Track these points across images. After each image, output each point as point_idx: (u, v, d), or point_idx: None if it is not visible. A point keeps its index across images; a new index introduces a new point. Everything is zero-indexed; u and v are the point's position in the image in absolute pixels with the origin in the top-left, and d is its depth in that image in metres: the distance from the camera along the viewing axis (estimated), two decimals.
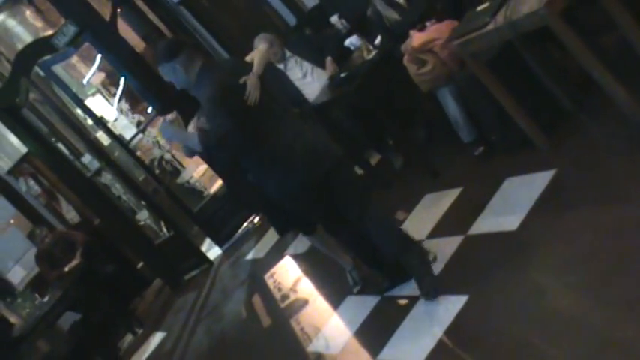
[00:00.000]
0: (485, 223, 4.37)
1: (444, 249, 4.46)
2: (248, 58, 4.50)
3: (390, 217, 4.73)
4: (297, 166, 4.21)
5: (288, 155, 4.20)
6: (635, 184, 3.52)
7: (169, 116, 4.39)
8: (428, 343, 3.88)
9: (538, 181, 4.21)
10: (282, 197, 4.41)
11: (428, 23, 4.85)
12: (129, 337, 9.55)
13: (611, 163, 3.82)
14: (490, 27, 4.05)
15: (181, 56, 4.15)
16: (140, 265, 10.83)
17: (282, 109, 4.37)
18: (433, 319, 4.06)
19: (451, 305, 3.99)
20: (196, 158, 9.18)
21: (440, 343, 3.84)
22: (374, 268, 4.79)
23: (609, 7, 3.79)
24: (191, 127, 4.31)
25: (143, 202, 9.63)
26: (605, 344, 2.93)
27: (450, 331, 3.85)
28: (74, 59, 10.57)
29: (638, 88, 3.85)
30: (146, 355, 8.34)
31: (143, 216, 9.90)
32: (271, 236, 7.93)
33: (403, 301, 4.49)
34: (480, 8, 4.28)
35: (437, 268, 4.38)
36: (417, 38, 4.81)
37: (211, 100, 4.06)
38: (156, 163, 10.02)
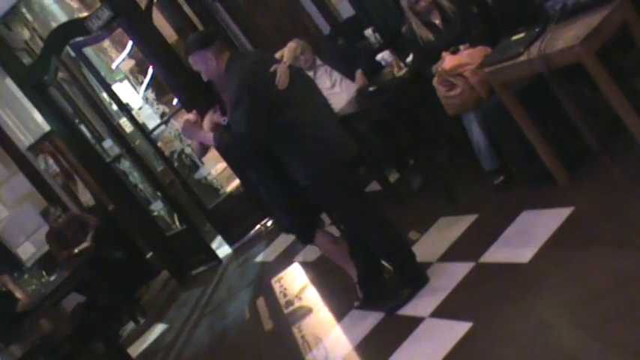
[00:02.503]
0: (498, 253, 4.35)
1: (454, 274, 4.44)
2: (277, 55, 4.57)
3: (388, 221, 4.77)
4: (330, 139, 4.44)
5: (323, 125, 4.44)
6: None
7: (191, 116, 4.45)
8: None
9: (555, 217, 4.19)
10: (306, 175, 4.47)
11: (461, 47, 4.85)
12: (130, 325, 9.59)
13: (629, 208, 3.79)
14: (523, 58, 4.04)
15: (213, 46, 4.30)
16: (149, 255, 10.86)
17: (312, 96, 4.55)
18: (435, 343, 4.04)
19: (454, 331, 3.98)
20: (215, 154, 9.22)
21: None
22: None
23: None
24: (206, 121, 4.51)
25: (159, 193, 9.65)
26: None
27: (450, 356, 3.83)
28: (105, 43, 10.62)
29: None
30: (146, 344, 8.38)
31: (157, 207, 9.92)
32: (282, 241, 7.93)
33: (407, 321, 4.48)
34: (514, 38, 4.28)
35: (445, 292, 4.37)
36: (449, 61, 4.80)
37: (240, 85, 4.17)
38: (176, 155, 10.03)
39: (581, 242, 3.88)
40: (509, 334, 3.65)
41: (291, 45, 6.03)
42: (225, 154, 7.46)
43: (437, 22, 5.06)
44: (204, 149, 4.82)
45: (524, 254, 4.08)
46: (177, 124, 10.03)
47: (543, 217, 4.34)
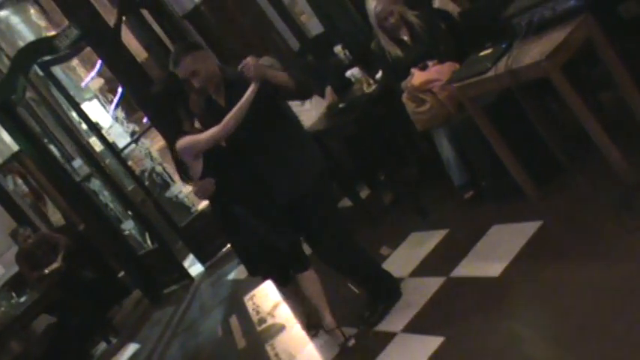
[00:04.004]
0: (468, 267, 4.37)
1: (425, 289, 4.46)
2: None
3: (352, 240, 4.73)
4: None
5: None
6: (620, 243, 3.53)
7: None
8: None
9: (524, 231, 4.22)
10: (312, 177, 4.42)
11: (430, 63, 4.89)
12: (103, 346, 9.49)
13: (598, 221, 3.83)
14: (491, 73, 4.08)
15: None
16: (121, 274, 10.77)
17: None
18: (408, 358, 4.05)
19: (427, 345, 3.98)
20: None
21: None
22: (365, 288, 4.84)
23: (610, 66, 3.83)
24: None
25: (130, 212, 9.60)
26: None
27: None
28: (74, 62, 10.56)
29: (632, 148, 3.89)
30: None
31: (128, 226, 9.86)
32: None
33: (380, 336, 4.48)
34: (482, 53, 4.32)
35: (416, 307, 4.38)
36: (417, 77, 4.84)
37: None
38: (146, 174, 9.99)
39: (550, 255, 3.90)
40: (481, 348, 3.66)
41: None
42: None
43: (405, 38, 5.09)
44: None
45: (495, 268, 4.10)
46: (147, 142, 10.01)
47: (513, 231, 4.37)
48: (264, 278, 5.16)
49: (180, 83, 4.23)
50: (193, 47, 4.36)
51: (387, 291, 4.66)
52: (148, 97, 4.36)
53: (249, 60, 4.12)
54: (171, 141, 4.28)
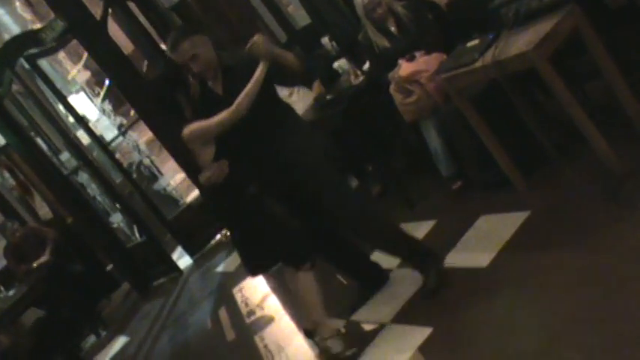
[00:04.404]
0: (457, 258, 4.38)
1: (414, 280, 4.46)
2: None
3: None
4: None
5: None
6: (606, 233, 3.55)
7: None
8: None
9: (512, 221, 4.23)
10: (316, 151, 4.29)
11: (417, 54, 4.88)
12: (92, 339, 9.49)
13: (585, 211, 3.85)
14: (478, 64, 4.08)
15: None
16: (110, 267, 10.76)
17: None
18: (396, 349, 4.05)
19: (415, 336, 3.99)
20: (175, 165, 9.18)
21: None
22: (354, 278, 4.80)
23: (597, 57, 3.84)
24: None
25: (118, 205, 9.58)
26: None
27: None
28: (61, 55, 10.54)
29: (619, 137, 3.90)
30: (107, 358, 8.30)
31: (117, 218, 9.85)
32: None
33: (368, 327, 4.49)
34: (469, 44, 4.32)
35: (405, 297, 4.40)
36: (405, 68, 4.84)
37: None
38: (134, 166, 9.98)
39: (538, 245, 3.92)
40: (470, 338, 3.68)
41: None
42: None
43: (392, 29, 5.09)
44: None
45: (483, 258, 4.12)
46: (135, 134, 9.99)
47: (501, 221, 4.38)
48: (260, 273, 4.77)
49: (178, 69, 4.07)
50: (192, 31, 4.18)
51: (428, 252, 4.38)
52: (144, 84, 4.16)
53: (258, 38, 3.98)
54: (172, 130, 4.14)
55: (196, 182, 8.42)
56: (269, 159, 4.20)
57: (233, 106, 3.93)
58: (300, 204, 4.34)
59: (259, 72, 3.97)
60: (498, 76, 4.05)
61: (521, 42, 3.83)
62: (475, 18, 4.58)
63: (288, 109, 4.42)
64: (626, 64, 3.95)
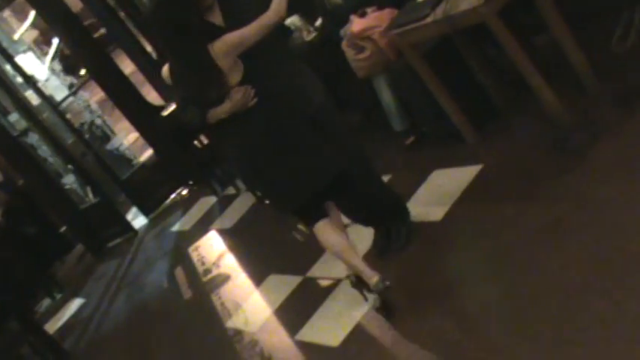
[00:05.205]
0: (411, 212, 4.42)
1: (368, 235, 4.51)
2: None
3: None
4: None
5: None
6: (555, 184, 3.62)
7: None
8: (346, 326, 3.95)
9: (465, 175, 4.29)
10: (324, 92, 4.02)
11: (369, 10, 4.87)
12: (47, 302, 9.43)
13: (534, 162, 3.92)
14: (429, 19, 4.09)
15: None
16: (63, 229, 10.66)
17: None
18: (353, 302, 4.10)
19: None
20: (127, 125, 9.06)
21: (358, 326, 3.91)
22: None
23: (543, 9, 3.88)
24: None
25: (70, 166, 9.47)
26: (513, 334, 3.03)
27: (369, 315, 3.91)
28: (6, 13, 10.29)
29: (566, 90, 3.97)
30: (63, 320, 8.26)
31: (69, 180, 9.74)
32: (198, 209, 7.90)
33: (325, 283, 4.54)
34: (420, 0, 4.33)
35: (360, 252, 4.43)
36: (356, 24, 4.82)
37: None
38: (86, 127, 9.85)
39: (490, 198, 3.98)
40: (426, 292, 3.74)
41: None
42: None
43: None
44: None
45: (437, 212, 4.18)
46: (86, 94, 9.84)
47: (454, 175, 4.43)
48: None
49: None
50: None
51: (404, 211, 4.28)
52: (148, 10, 3.70)
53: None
54: (196, 50, 3.59)
55: (159, 137, 8.33)
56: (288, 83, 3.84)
57: (272, 9, 3.57)
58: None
59: None
60: (450, 31, 4.07)
61: None
62: None
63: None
64: (572, 18, 3.99)
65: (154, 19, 3.74)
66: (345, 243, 3.90)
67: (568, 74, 3.99)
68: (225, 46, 3.55)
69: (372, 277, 3.71)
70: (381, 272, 3.87)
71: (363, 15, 4.85)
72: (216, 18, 3.69)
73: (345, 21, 4.95)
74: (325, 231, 3.91)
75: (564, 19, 3.90)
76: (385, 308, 3.79)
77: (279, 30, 3.93)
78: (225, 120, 3.68)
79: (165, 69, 3.81)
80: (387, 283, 3.69)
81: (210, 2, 3.67)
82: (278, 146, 3.75)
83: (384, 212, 4.27)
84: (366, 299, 3.93)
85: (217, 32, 3.59)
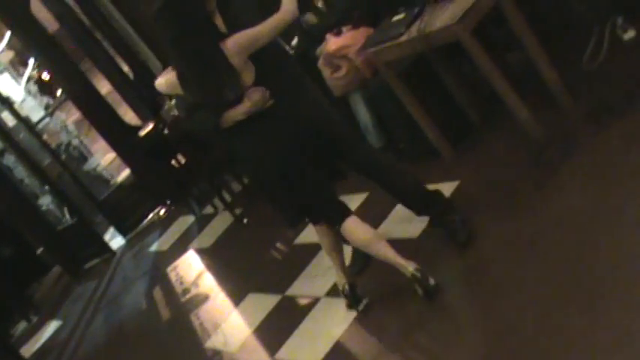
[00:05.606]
0: (389, 229, 4.44)
1: (347, 252, 4.51)
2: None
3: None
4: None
5: None
6: (530, 198, 3.66)
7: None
8: (326, 344, 3.94)
9: (442, 191, 4.30)
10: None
11: (344, 29, 4.91)
12: (23, 324, 9.33)
13: (510, 177, 3.95)
14: (404, 38, 4.13)
15: None
16: (40, 250, 10.57)
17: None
18: (332, 321, 4.11)
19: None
20: (105, 144, 9.02)
21: (337, 344, 3.90)
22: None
23: (516, 28, 3.93)
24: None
25: (47, 187, 9.41)
26: (491, 348, 3.07)
27: (348, 333, 3.91)
28: None
29: (539, 106, 4.01)
30: (40, 343, 8.19)
31: (46, 201, 9.68)
32: (177, 229, 7.87)
33: (304, 301, 4.54)
34: (395, 18, 4.35)
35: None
36: (332, 43, 4.86)
37: None
38: (63, 147, 9.80)
39: (467, 213, 3.98)
40: (403, 307, 3.75)
41: None
42: None
43: (319, 4, 5.10)
44: None
45: (414, 229, 4.19)
46: (62, 114, 9.81)
47: None
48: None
49: None
50: None
51: (447, 201, 4.07)
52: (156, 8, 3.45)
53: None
54: (207, 50, 3.52)
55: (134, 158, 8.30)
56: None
57: (285, 7, 3.51)
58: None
59: None
60: (424, 49, 4.10)
61: (445, 15, 3.88)
62: None
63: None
64: (545, 35, 4.05)
65: (162, 18, 3.56)
66: (371, 235, 3.83)
67: (541, 90, 4.04)
68: (238, 44, 3.49)
69: (408, 267, 3.64)
70: (358, 289, 3.91)
71: (338, 34, 4.89)
72: (218, 23, 3.64)
73: (321, 40, 4.98)
74: (348, 228, 3.82)
75: (537, 36, 3.95)
76: (427, 294, 3.60)
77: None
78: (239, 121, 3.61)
79: (161, 80, 3.75)
80: (422, 270, 3.59)
81: (212, 7, 3.62)
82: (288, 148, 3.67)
83: (397, 184, 4.04)
84: (356, 309, 3.97)
85: (220, 37, 3.54)
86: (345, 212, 3.88)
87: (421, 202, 4.00)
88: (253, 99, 3.55)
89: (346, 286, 3.98)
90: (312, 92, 3.94)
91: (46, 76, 9.94)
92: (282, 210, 3.98)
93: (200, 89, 3.60)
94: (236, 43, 3.48)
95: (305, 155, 3.70)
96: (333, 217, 3.89)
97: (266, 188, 4.02)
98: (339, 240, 3.99)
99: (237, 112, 3.57)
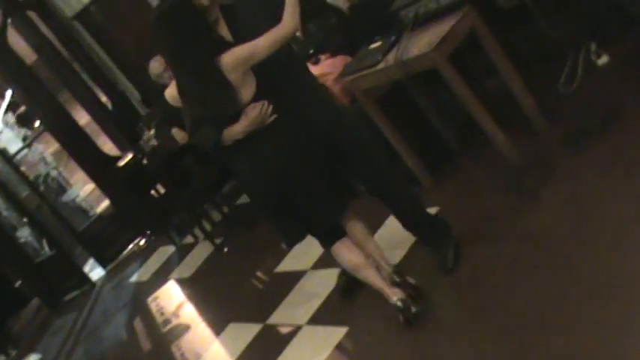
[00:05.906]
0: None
1: (328, 280, 4.52)
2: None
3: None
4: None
5: None
6: (509, 224, 3.68)
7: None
8: None
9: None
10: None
11: (322, 57, 4.94)
12: (1, 358, 9.22)
13: (488, 203, 3.97)
14: (381, 65, 4.16)
15: None
16: (18, 283, 10.47)
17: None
18: (313, 349, 4.10)
19: (331, 336, 4.05)
20: (84, 175, 8.98)
21: None
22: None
23: (492, 55, 3.97)
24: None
25: (25, 219, 9.35)
26: None
27: None
28: None
29: (517, 132, 4.05)
30: None
31: (24, 233, 9.61)
32: (157, 259, 7.84)
33: (286, 330, 4.52)
34: (372, 46, 4.39)
35: (320, 298, 4.44)
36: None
37: None
38: (41, 179, 9.75)
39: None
40: (384, 334, 3.75)
41: (153, 64, 5.89)
42: None
43: (298, 33, 5.13)
44: None
45: (394, 256, 4.18)
46: (40, 146, 9.77)
47: None
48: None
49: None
50: None
51: (446, 227, 3.96)
52: (153, 20, 3.32)
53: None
54: (203, 64, 3.41)
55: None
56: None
57: (285, 21, 3.39)
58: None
59: None
60: (402, 76, 4.13)
61: (422, 43, 3.92)
62: (377, 21, 4.66)
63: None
64: (521, 61, 4.10)
65: (161, 26, 3.47)
66: (360, 261, 3.74)
67: (518, 116, 4.08)
68: (234, 59, 3.38)
69: (392, 296, 3.59)
70: (338, 317, 3.90)
71: (316, 62, 4.92)
72: (224, 32, 3.53)
73: None
74: (340, 251, 3.78)
75: (512, 62, 4.00)
76: (407, 322, 3.58)
77: (290, 44, 3.81)
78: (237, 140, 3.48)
79: (169, 91, 3.60)
80: (407, 300, 3.58)
81: (215, 16, 3.50)
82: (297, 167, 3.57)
83: (398, 197, 4.03)
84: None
85: (226, 47, 3.42)
86: (339, 233, 3.81)
87: (423, 227, 3.99)
88: (250, 117, 3.42)
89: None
90: (323, 98, 3.91)
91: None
92: (283, 230, 3.86)
93: (199, 104, 3.49)
94: (232, 59, 3.37)
95: (306, 173, 3.59)
96: (326, 235, 3.82)
97: (265, 212, 3.93)
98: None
99: (235, 130, 3.44)
